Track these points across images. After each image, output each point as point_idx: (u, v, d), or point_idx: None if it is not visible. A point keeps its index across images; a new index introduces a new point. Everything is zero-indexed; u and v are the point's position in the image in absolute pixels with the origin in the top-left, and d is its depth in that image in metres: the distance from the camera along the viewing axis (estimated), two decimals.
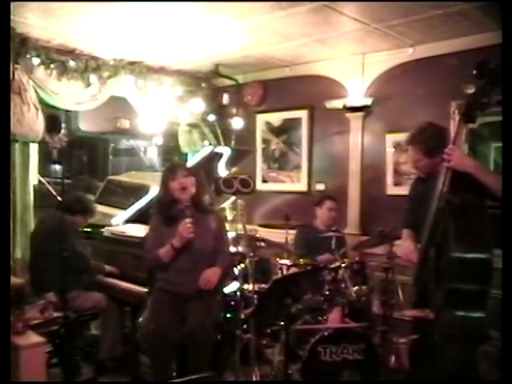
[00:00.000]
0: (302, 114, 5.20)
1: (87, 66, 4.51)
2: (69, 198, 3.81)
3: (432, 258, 2.36)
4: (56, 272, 3.33)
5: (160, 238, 3.12)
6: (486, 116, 3.95)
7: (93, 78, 4.56)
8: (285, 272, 3.56)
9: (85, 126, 5.94)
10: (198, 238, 3.08)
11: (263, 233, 4.34)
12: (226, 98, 5.53)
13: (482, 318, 2.21)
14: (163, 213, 3.21)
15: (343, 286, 3.42)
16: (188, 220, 3.03)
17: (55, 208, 3.78)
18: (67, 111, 5.05)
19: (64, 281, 3.25)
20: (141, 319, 3.25)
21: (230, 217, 4.94)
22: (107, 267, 3.82)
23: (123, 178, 5.69)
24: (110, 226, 4.16)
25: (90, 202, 4.08)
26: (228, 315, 3.57)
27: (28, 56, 4.10)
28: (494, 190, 2.26)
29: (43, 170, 4.76)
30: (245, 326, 3.27)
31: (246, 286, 3.37)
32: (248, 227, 3.53)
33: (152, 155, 7.45)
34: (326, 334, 3.04)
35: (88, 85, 4.55)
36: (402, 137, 4.45)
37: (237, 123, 5.48)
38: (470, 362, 2.27)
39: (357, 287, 3.45)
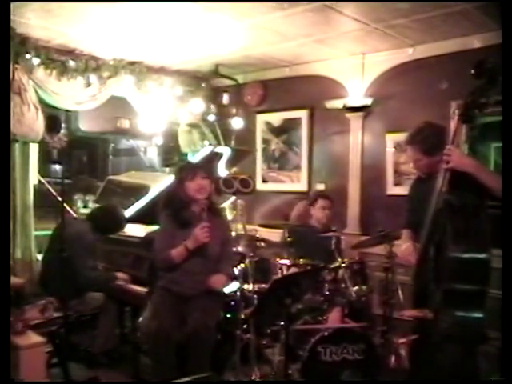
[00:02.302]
0: (302, 114, 5.20)
1: (87, 66, 4.52)
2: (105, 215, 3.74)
3: (431, 258, 2.36)
4: (63, 282, 3.29)
5: (171, 238, 3.11)
6: (485, 116, 3.96)
7: (93, 78, 4.57)
8: (285, 272, 3.56)
9: (85, 126, 5.93)
10: (209, 240, 3.09)
11: (263, 233, 4.34)
12: (226, 98, 5.53)
13: (480, 318, 2.21)
14: (176, 213, 3.18)
15: (343, 286, 3.41)
16: (205, 224, 3.02)
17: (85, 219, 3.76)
18: (67, 111, 5.05)
19: (68, 291, 3.28)
20: (141, 319, 3.25)
21: (230, 217, 4.94)
22: (119, 275, 3.67)
23: (123, 178, 5.69)
24: None
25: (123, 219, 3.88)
26: (228, 315, 3.57)
27: (28, 56, 4.10)
28: (494, 189, 2.25)
29: (43, 170, 4.76)
30: (245, 326, 3.27)
31: (246, 286, 3.36)
32: (248, 227, 3.54)
33: (152, 155, 7.45)
34: (325, 333, 3.04)
35: (88, 85, 4.55)
36: (401, 137, 4.42)
37: (237, 123, 5.49)
38: (469, 362, 2.27)
39: (357, 287, 3.44)
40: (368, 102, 4.64)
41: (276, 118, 5.46)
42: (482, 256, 2.21)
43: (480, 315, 2.21)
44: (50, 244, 3.75)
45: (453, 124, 2.38)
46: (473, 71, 2.22)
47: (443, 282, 2.23)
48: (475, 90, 2.25)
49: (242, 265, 3.43)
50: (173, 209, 3.21)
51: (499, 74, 2.19)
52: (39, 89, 4.21)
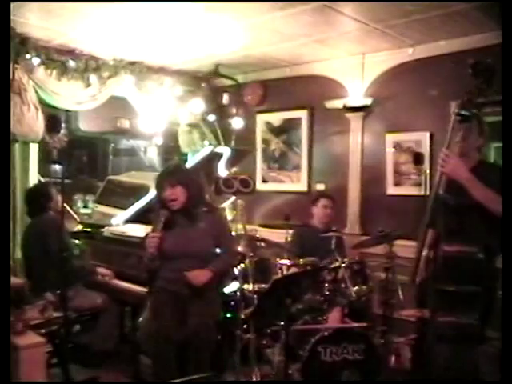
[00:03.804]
0: (302, 114, 5.20)
1: (87, 66, 4.52)
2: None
3: (428, 258, 2.37)
4: (50, 272, 3.37)
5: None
6: (485, 116, 3.97)
7: (93, 78, 4.57)
8: (285, 272, 3.56)
9: (85, 126, 5.94)
10: (191, 241, 3.06)
11: (263, 233, 4.34)
12: (225, 98, 5.53)
13: (476, 318, 2.21)
14: (160, 215, 3.18)
15: (343, 285, 3.42)
16: (154, 234, 2.98)
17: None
18: (67, 111, 5.05)
19: (59, 279, 3.25)
20: (141, 319, 3.25)
21: (230, 217, 4.94)
22: (100, 270, 3.75)
23: (123, 178, 5.70)
24: (110, 225, 4.16)
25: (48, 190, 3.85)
26: (228, 315, 3.57)
27: (28, 56, 4.10)
28: (486, 205, 2.25)
29: (43, 170, 4.76)
30: (245, 326, 3.27)
31: (246, 286, 3.37)
32: (248, 227, 3.54)
33: (152, 155, 7.46)
34: (326, 334, 3.04)
35: (88, 85, 4.55)
36: (401, 137, 4.48)
37: (237, 123, 5.48)
38: (467, 362, 2.27)
39: (357, 287, 3.45)
40: (368, 102, 4.64)
41: (276, 118, 5.46)
42: (477, 256, 2.22)
43: (475, 315, 2.21)
44: (28, 243, 3.76)
45: (451, 124, 2.38)
46: (470, 70, 2.23)
47: (439, 282, 2.24)
48: (472, 90, 2.25)
49: (242, 265, 3.43)
50: (157, 212, 3.19)
51: (496, 74, 2.19)
52: (39, 89, 4.21)
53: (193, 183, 3.19)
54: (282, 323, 2.90)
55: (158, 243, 2.96)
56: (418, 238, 2.76)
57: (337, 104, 4.82)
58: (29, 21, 3.80)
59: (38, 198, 3.75)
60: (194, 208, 3.16)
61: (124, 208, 4.42)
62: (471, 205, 2.30)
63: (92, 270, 3.75)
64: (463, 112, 2.27)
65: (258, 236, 4.04)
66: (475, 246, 2.23)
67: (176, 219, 3.12)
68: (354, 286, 3.43)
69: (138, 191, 4.75)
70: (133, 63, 4.84)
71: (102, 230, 4.12)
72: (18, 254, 4.12)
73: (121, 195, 5.26)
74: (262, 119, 5.58)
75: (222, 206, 4.70)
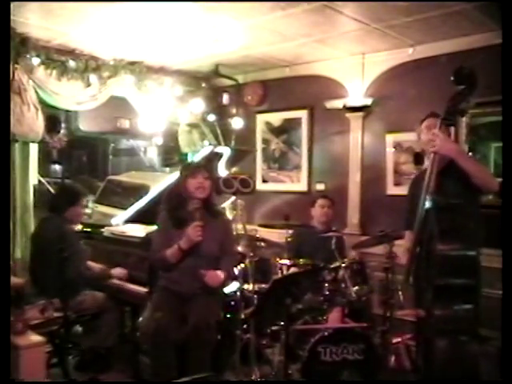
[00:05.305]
0: (302, 114, 5.20)
1: (87, 66, 4.52)
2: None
3: (421, 257, 2.40)
4: (59, 279, 3.27)
5: (167, 238, 3.13)
6: (485, 116, 3.99)
7: (93, 78, 4.57)
8: (285, 272, 3.56)
9: (85, 126, 5.95)
10: (204, 240, 3.09)
11: (263, 233, 4.34)
12: (226, 98, 5.53)
13: (469, 311, 2.24)
14: (173, 212, 3.21)
15: (343, 286, 3.41)
16: (198, 223, 3.03)
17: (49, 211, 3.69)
18: (67, 111, 5.06)
19: (68, 287, 3.23)
20: (141, 319, 3.25)
21: (230, 217, 4.94)
22: (115, 271, 3.66)
23: (123, 177, 5.71)
24: (110, 226, 4.15)
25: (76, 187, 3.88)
26: (228, 315, 3.57)
27: (28, 56, 4.10)
28: (475, 176, 2.37)
29: (43, 170, 4.77)
30: (245, 326, 3.27)
31: (246, 286, 3.36)
32: (248, 227, 3.53)
33: (152, 155, 7.46)
34: (326, 333, 3.04)
35: (88, 85, 4.55)
36: (402, 137, 4.48)
37: (237, 123, 5.48)
38: (467, 357, 2.28)
39: (357, 287, 3.44)
40: (368, 102, 4.64)
41: (276, 118, 5.46)
42: (469, 253, 2.27)
43: (469, 308, 2.24)
44: (37, 245, 3.66)
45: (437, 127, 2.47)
46: (452, 78, 2.31)
47: (433, 280, 2.27)
48: (455, 96, 2.38)
49: (242, 265, 3.43)
50: (171, 206, 3.24)
51: (477, 79, 2.32)
52: (39, 89, 4.21)
53: (214, 182, 3.33)
54: (282, 323, 2.90)
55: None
56: (408, 239, 2.81)
57: (337, 104, 4.82)
58: (29, 21, 3.80)
59: (68, 194, 3.70)
60: (210, 207, 3.21)
61: (124, 208, 4.42)
62: (461, 204, 2.34)
63: (107, 274, 3.64)
64: (449, 117, 2.40)
65: (258, 236, 4.04)
66: (467, 243, 2.27)
67: (189, 218, 3.14)
68: (354, 286, 3.42)
69: (138, 191, 4.75)
70: (133, 63, 4.84)
71: (102, 230, 4.11)
72: (18, 254, 4.12)
73: (121, 195, 5.27)
74: (261, 119, 5.58)
75: (222, 205, 4.71)
